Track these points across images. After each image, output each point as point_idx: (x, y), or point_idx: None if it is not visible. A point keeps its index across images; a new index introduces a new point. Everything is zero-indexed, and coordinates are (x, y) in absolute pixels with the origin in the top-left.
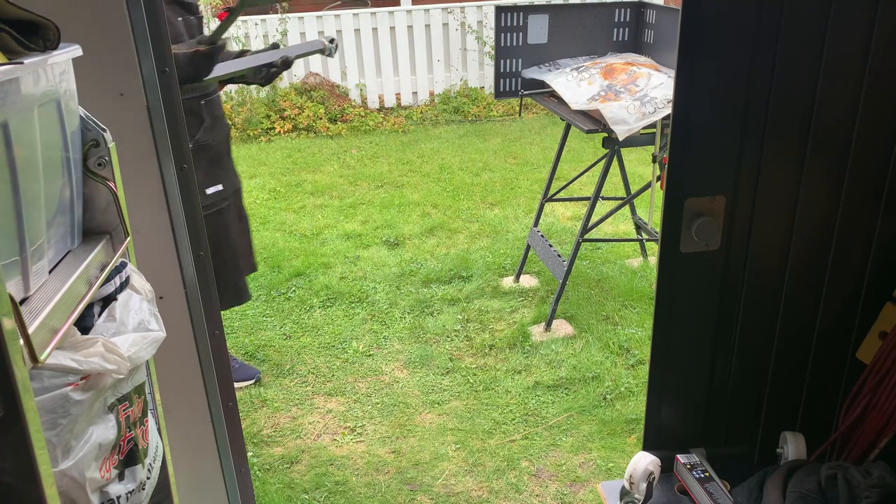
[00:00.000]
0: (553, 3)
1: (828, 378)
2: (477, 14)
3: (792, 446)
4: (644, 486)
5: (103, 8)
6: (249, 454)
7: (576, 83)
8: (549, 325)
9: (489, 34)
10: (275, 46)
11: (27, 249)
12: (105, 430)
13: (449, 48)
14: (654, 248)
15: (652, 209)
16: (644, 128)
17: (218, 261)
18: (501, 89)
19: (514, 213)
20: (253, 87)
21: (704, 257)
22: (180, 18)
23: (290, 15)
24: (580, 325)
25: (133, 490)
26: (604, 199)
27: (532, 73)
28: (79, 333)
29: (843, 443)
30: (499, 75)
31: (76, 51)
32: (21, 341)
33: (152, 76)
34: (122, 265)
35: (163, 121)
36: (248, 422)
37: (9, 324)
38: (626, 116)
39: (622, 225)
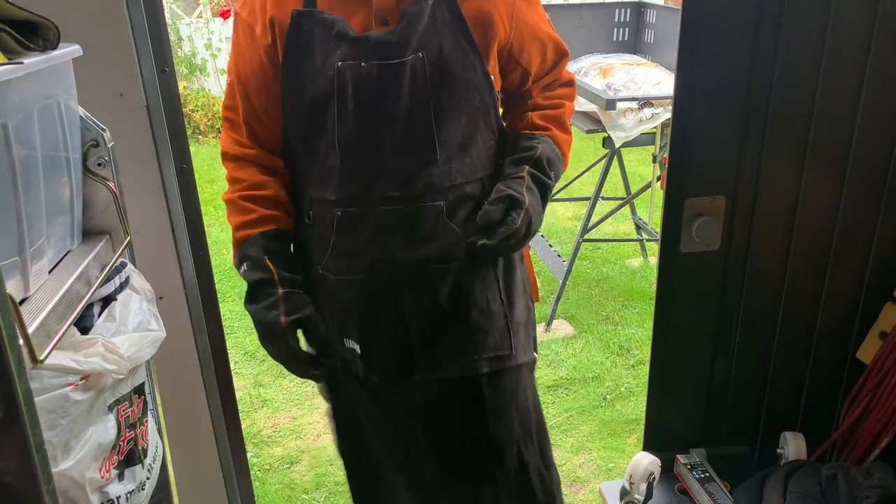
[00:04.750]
0: (553, 3)
1: (828, 378)
2: None
3: (792, 446)
4: (644, 486)
5: (103, 8)
6: (249, 454)
7: None
8: (549, 325)
9: None
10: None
11: (27, 249)
12: (105, 431)
13: None
14: (654, 248)
15: (652, 209)
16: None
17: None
18: None
19: None
20: None
21: (704, 257)
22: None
23: None
24: (580, 325)
25: (133, 490)
26: (604, 199)
27: None
28: (78, 333)
29: (844, 443)
30: None
31: (76, 51)
32: (21, 341)
33: (152, 76)
34: (122, 265)
35: (163, 121)
36: (248, 422)
37: (8, 324)
38: (623, 123)
39: (622, 225)
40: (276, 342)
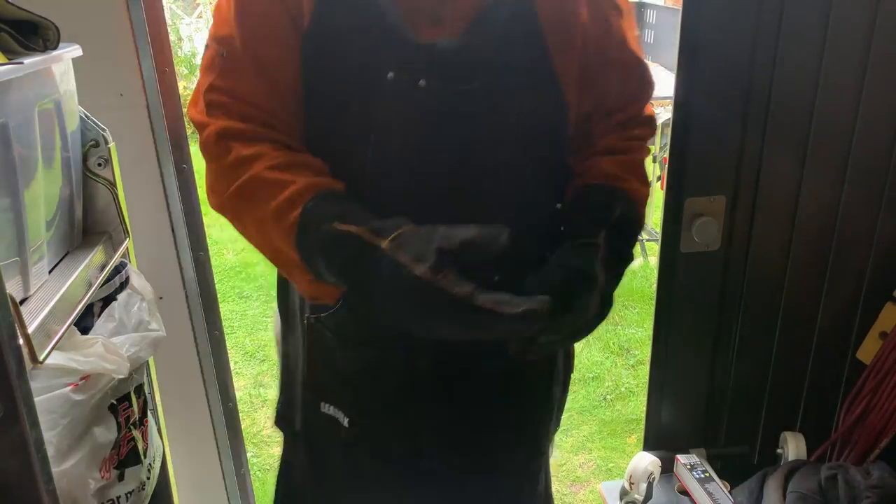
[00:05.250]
0: None
1: (828, 378)
2: None
3: (792, 446)
4: (644, 486)
5: (103, 8)
6: (249, 454)
7: None
8: None
9: None
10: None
11: (27, 250)
12: (105, 431)
13: None
14: (654, 248)
15: (652, 209)
16: None
17: None
18: None
19: None
20: None
21: (704, 257)
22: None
23: None
24: None
25: (133, 490)
26: None
27: None
28: (78, 333)
29: (844, 443)
30: None
31: (76, 51)
32: (21, 341)
33: (152, 76)
34: (122, 265)
35: (163, 121)
36: (248, 422)
37: (8, 324)
38: None
39: None
40: (436, 295)
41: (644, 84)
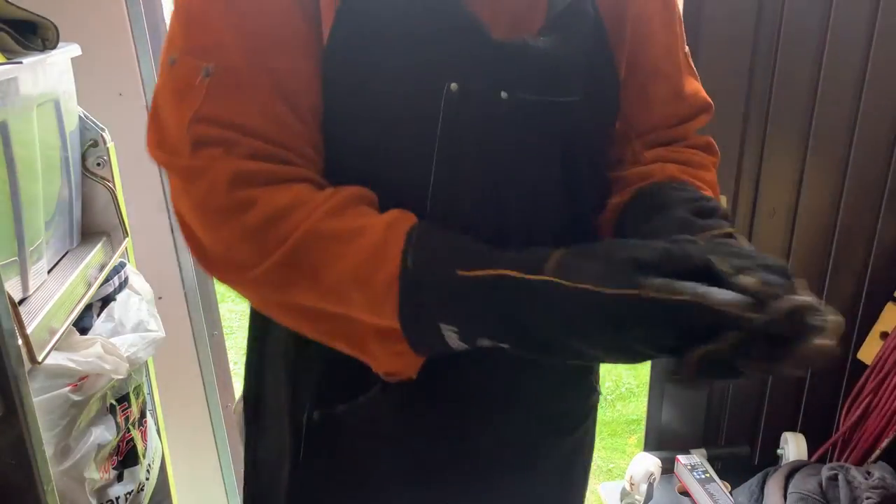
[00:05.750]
0: None
1: (829, 378)
2: None
3: (793, 447)
4: (645, 487)
5: (103, 8)
6: None
7: None
8: None
9: None
10: None
11: (26, 249)
12: (104, 431)
13: None
14: None
15: None
16: None
17: None
18: None
19: None
20: None
21: None
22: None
23: None
24: None
25: (132, 491)
26: None
27: None
28: (77, 334)
29: (845, 443)
30: None
31: (75, 51)
32: (20, 341)
33: (152, 76)
34: (121, 265)
35: None
36: None
37: (7, 324)
38: None
39: None
40: (635, 307)
41: (696, 107)
